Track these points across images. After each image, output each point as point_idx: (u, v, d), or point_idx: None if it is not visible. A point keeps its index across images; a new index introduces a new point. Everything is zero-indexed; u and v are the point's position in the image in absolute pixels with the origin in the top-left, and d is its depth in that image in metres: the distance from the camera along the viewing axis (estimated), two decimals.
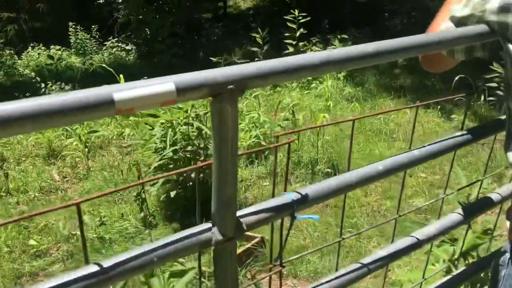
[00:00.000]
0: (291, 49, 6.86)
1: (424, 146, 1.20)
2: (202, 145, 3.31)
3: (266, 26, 9.42)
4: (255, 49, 7.05)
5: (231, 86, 0.71)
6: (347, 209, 3.49)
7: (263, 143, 4.30)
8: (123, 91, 0.60)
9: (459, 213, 1.40)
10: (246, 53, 8.90)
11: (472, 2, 1.13)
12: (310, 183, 3.97)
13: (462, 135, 1.28)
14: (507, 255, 1.15)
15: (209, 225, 0.79)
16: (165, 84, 0.64)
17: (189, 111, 3.23)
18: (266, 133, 4.41)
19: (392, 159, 1.14)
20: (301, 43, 6.98)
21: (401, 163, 1.14)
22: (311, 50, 7.01)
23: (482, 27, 1.09)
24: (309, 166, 4.13)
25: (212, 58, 7.05)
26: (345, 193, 1.08)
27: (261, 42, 6.67)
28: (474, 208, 1.44)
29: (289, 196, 0.93)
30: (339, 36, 7.72)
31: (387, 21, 9.83)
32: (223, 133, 0.72)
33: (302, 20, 6.54)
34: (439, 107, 5.34)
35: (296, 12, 6.52)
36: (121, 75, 4.65)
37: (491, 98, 5.18)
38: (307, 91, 6.06)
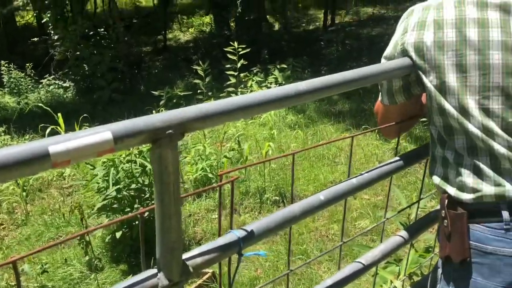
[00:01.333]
0: (232, 80, 6.96)
1: (361, 174, 1.25)
2: (146, 182, 3.25)
3: (206, 58, 9.52)
4: (197, 81, 7.08)
5: (170, 131, 0.71)
6: (296, 236, 3.53)
7: (210, 175, 4.29)
8: (58, 143, 0.60)
9: (401, 235, 1.46)
10: (188, 85, 8.92)
11: (395, 38, 1.22)
12: (259, 212, 4.01)
13: (396, 161, 1.35)
14: (439, 271, 1.21)
15: (154, 270, 0.78)
16: (102, 133, 0.64)
17: (131, 148, 3.18)
18: (213, 165, 4.41)
19: (333, 189, 1.18)
20: (242, 74, 7.10)
21: (341, 192, 1.19)
22: (252, 80, 7.15)
23: (403, 60, 1.17)
24: (257, 195, 4.15)
25: (154, 92, 7.01)
26: (290, 225, 1.10)
27: (202, 74, 6.71)
28: (414, 228, 1.50)
29: (235, 234, 0.94)
30: (278, 66, 7.93)
31: (323, 50, 10.21)
32: (164, 178, 0.72)
33: (242, 52, 6.66)
34: (376, 130, 5.55)
35: (236, 44, 6.64)
36: (59, 114, 4.53)
37: (424, 119, 5.46)
38: (252, 121, 6.13)
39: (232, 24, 11.11)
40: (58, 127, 4.46)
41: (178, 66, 10.87)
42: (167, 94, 6.82)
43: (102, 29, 9.43)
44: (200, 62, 6.88)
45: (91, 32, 9.17)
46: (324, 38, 10.86)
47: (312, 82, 1.00)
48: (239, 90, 6.99)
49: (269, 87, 7.29)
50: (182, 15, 18.10)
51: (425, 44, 1.12)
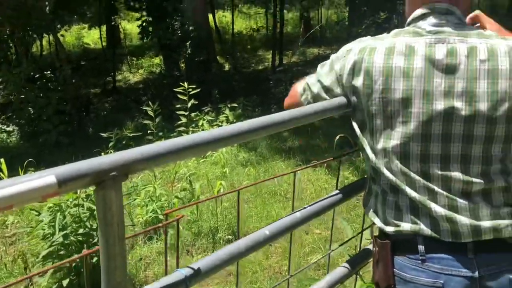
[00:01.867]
0: (183, 120, 6.98)
1: (305, 208, 1.31)
2: (94, 226, 3.17)
3: (156, 98, 9.53)
4: (147, 121, 7.05)
5: (113, 173, 0.74)
6: (250, 274, 3.52)
7: (160, 217, 4.23)
8: (0, 189, 0.61)
9: (345, 266, 1.52)
10: (138, 126, 8.84)
11: (333, 72, 1.30)
12: (212, 252, 3.97)
13: (337, 194, 1.42)
14: None
15: None
16: (45, 177, 0.66)
17: (78, 192, 3.11)
18: (163, 207, 4.36)
19: (277, 223, 1.23)
20: (193, 114, 7.15)
21: (285, 226, 1.23)
22: (203, 119, 7.21)
23: (340, 99, 1.26)
24: (210, 235, 4.13)
25: (103, 134, 6.90)
26: (236, 261, 1.13)
27: (152, 115, 6.70)
28: (358, 259, 1.57)
29: (182, 273, 0.96)
30: (229, 105, 8.05)
31: (272, 89, 10.48)
32: (109, 219, 0.74)
33: (192, 92, 6.73)
34: (325, 165, 5.72)
35: (186, 85, 6.71)
36: (1, 159, 4.37)
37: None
38: (203, 160, 6.15)
39: (182, 65, 11.22)
40: (1, 173, 4.30)
41: (128, 107, 10.78)
42: (116, 136, 6.72)
43: (49, 72, 9.27)
44: (150, 103, 6.87)
45: (37, 75, 8.99)
46: (273, 78, 11.16)
47: (253, 122, 1.06)
48: (190, 129, 7.02)
49: (220, 126, 7.36)
50: (131, 57, 18.09)
51: (355, 89, 1.21)
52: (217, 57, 16.61)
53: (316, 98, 1.34)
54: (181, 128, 7.02)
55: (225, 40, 19.36)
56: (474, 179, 1.13)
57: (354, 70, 1.22)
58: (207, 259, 1.04)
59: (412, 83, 1.14)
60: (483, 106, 1.11)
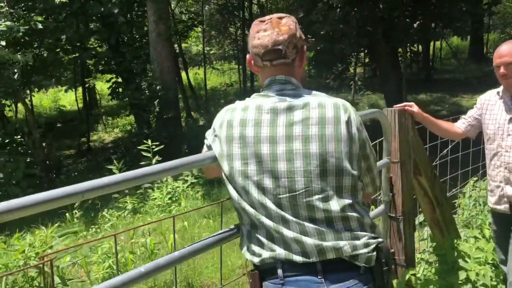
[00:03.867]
0: None
1: (184, 247, 1.49)
2: None
3: (127, 156, 9.70)
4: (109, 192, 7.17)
5: None
6: None
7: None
8: None
9: None
10: None
11: (210, 131, 1.55)
12: None
13: (221, 233, 1.61)
14: None
15: None
16: None
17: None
18: (121, 262, 4.43)
19: (153, 262, 1.40)
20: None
21: (162, 265, 1.41)
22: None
23: (211, 152, 1.49)
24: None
25: None
26: None
27: (118, 173, 6.85)
28: None
29: None
30: None
31: None
32: None
33: (156, 149, 6.94)
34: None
35: (149, 142, 6.93)
36: None
37: None
38: (166, 213, 6.26)
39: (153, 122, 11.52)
40: None
41: (101, 167, 10.92)
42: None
43: (19, 136, 9.43)
44: (115, 162, 7.04)
45: (6, 140, 9.14)
46: None
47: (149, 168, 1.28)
48: (156, 185, 7.17)
49: (186, 180, 7.53)
50: (107, 116, 18.39)
51: (222, 139, 1.46)
52: (192, 112, 17.02)
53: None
54: (147, 185, 7.16)
55: (199, 96, 19.85)
56: (317, 209, 1.38)
57: (221, 125, 1.49)
58: None
59: (261, 130, 1.42)
60: (315, 146, 1.40)
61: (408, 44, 10.78)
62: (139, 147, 7.16)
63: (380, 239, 1.46)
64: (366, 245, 1.39)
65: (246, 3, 20.02)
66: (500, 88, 2.62)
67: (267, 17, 1.53)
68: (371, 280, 1.40)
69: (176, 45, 16.61)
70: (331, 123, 1.42)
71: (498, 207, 2.61)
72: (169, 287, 4.21)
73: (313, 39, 9.95)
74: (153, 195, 7.01)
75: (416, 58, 21.77)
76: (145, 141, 7.03)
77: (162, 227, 5.86)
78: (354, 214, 1.41)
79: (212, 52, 26.02)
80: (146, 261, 4.59)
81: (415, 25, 8.82)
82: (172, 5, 18.30)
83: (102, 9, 10.30)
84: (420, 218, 3.43)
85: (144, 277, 1.35)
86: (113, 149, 12.14)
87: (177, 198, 6.86)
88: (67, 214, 6.70)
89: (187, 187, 7.37)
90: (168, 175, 1.32)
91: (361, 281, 1.37)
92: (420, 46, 22.12)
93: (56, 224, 5.12)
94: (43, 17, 10.21)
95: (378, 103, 15.05)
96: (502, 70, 2.45)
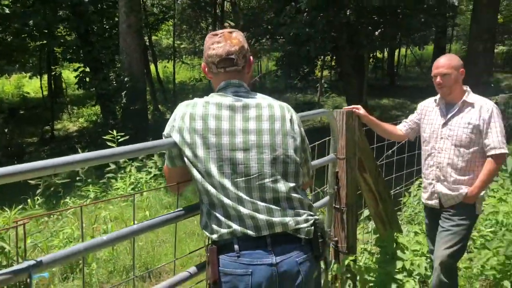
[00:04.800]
0: (112, 166, 7.24)
1: (143, 222, 1.69)
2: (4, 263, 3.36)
3: (92, 146, 9.70)
4: (77, 168, 7.22)
5: None
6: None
7: None
8: None
9: (189, 271, 1.88)
10: (70, 173, 8.93)
11: (169, 123, 1.75)
12: None
13: (177, 211, 1.81)
14: None
15: None
16: None
17: None
18: None
19: (115, 232, 1.60)
20: (121, 160, 7.42)
21: (122, 234, 1.60)
22: (131, 165, 7.48)
23: (168, 140, 1.70)
24: (124, 273, 4.36)
25: (31, 181, 6.99)
26: (75, 258, 1.48)
27: None
28: (200, 265, 1.93)
29: (27, 263, 1.30)
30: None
31: None
32: None
33: (121, 139, 7.02)
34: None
35: (115, 133, 7.01)
36: None
37: None
38: (126, 203, 6.37)
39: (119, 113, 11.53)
40: None
41: (63, 155, 10.85)
42: (44, 183, 6.85)
43: None
44: (79, 150, 7.09)
45: None
46: None
47: (100, 152, 1.47)
48: (119, 175, 7.26)
49: (150, 171, 7.65)
50: (72, 106, 18.14)
51: (185, 129, 1.66)
52: (159, 105, 17.02)
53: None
54: (110, 175, 7.25)
55: (167, 89, 19.82)
56: (267, 190, 1.65)
57: (182, 117, 1.70)
58: (50, 255, 1.39)
59: (222, 124, 1.67)
60: (266, 138, 1.69)
61: (372, 51, 11.19)
62: (104, 137, 7.22)
63: (316, 217, 1.75)
64: (306, 220, 1.68)
65: (219, 0, 20.16)
66: (438, 96, 2.92)
67: (219, 32, 1.81)
68: (310, 250, 1.69)
69: (146, 38, 16.58)
70: (279, 120, 1.72)
71: (430, 202, 2.92)
72: (128, 271, 4.36)
73: (283, 40, 10.24)
74: (116, 185, 7.10)
75: (380, 64, 22.42)
76: (110, 131, 7.10)
77: (123, 215, 5.99)
78: (297, 195, 1.70)
79: (182, 46, 25.98)
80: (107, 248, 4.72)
81: (376, 32, 9.25)
82: None
83: None
84: (366, 212, 3.71)
85: (105, 245, 1.54)
86: (78, 138, 12.07)
87: (140, 188, 6.98)
88: (28, 200, 6.71)
89: (150, 178, 7.49)
90: (129, 157, 1.51)
91: (302, 251, 1.66)
92: (385, 53, 22.82)
93: (20, 206, 5.18)
94: (10, 1, 10.06)
95: (342, 105, 15.49)
96: (438, 79, 2.76)
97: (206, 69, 1.84)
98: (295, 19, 8.95)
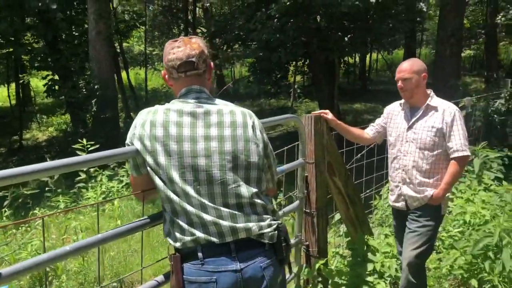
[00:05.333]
0: (83, 176, 7.10)
1: (107, 231, 1.67)
2: None
3: (62, 156, 9.49)
4: (45, 178, 7.06)
5: None
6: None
7: (47, 269, 4.31)
8: None
9: (157, 280, 1.86)
10: (39, 184, 8.74)
11: (130, 131, 1.74)
12: None
13: (143, 220, 1.79)
14: None
15: None
16: None
17: None
18: None
19: (79, 242, 1.57)
20: (92, 169, 7.29)
21: (86, 244, 1.57)
22: (102, 174, 7.36)
23: (130, 147, 1.68)
24: (95, 284, 4.28)
25: None
26: (37, 270, 1.44)
27: None
28: (167, 275, 1.91)
29: None
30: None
31: None
32: None
33: (91, 148, 6.90)
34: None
35: (85, 141, 6.89)
36: None
37: None
38: (101, 213, 6.27)
39: (89, 122, 11.35)
40: None
41: None
42: (11, 194, 6.66)
43: None
44: (48, 160, 6.92)
45: None
46: None
47: (66, 160, 1.44)
48: (90, 185, 7.14)
49: (121, 180, 7.55)
50: (42, 115, 17.75)
51: (145, 137, 1.64)
52: (131, 113, 16.82)
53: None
54: (81, 184, 7.12)
55: (139, 97, 19.62)
56: (230, 196, 1.64)
57: (142, 125, 1.68)
58: (11, 268, 1.36)
59: (183, 131, 1.65)
60: (228, 144, 1.68)
61: (343, 56, 11.36)
62: (73, 146, 7.08)
63: (279, 221, 1.75)
64: (269, 225, 1.69)
65: (191, 6, 20.12)
66: (402, 100, 2.98)
67: (179, 38, 1.81)
68: (274, 254, 1.69)
69: (117, 44, 16.39)
70: (241, 126, 1.71)
71: (397, 204, 2.97)
72: (100, 283, 4.28)
73: (255, 45, 10.28)
74: (87, 195, 6.98)
75: (352, 69, 22.74)
76: (80, 140, 6.97)
77: (95, 225, 5.89)
78: (260, 201, 1.69)
79: (154, 52, 25.76)
80: (77, 259, 4.63)
81: (346, 38, 9.40)
82: (114, 4, 18.03)
83: (40, 3, 10.04)
84: (338, 216, 3.74)
85: (69, 255, 1.51)
86: (47, 147, 11.81)
87: (111, 197, 6.88)
88: None
89: (122, 187, 7.39)
90: (91, 165, 1.48)
91: (266, 255, 1.66)
92: (357, 58, 23.18)
93: None
94: None
95: (315, 110, 15.64)
96: (400, 83, 2.82)
97: (167, 76, 1.82)
98: (266, 25, 9.01)
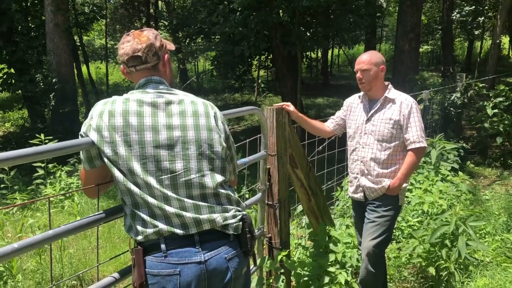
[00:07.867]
0: (40, 172, 6.88)
1: (59, 226, 1.61)
2: None
3: None
4: (1, 175, 6.81)
5: None
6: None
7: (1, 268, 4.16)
8: None
9: (113, 276, 1.81)
10: None
11: (86, 122, 1.67)
12: None
13: (98, 214, 1.74)
14: None
15: None
16: None
17: None
18: None
19: (28, 239, 1.50)
20: (50, 165, 7.08)
21: (36, 241, 1.51)
22: (61, 170, 7.16)
23: (86, 139, 1.62)
24: (54, 282, 4.15)
25: None
26: None
27: (7, 168, 6.52)
28: (125, 270, 1.87)
29: None
30: None
31: None
32: None
33: (49, 143, 6.69)
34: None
35: (42, 136, 6.67)
36: None
37: None
38: (60, 210, 6.10)
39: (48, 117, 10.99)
40: None
41: None
42: None
43: None
44: None
45: None
46: None
47: (14, 152, 1.37)
48: (48, 181, 6.92)
49: (78, 175, 7.33)
50: None
51: (103, 127, 1.58)
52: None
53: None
54: (39, 181, 6.90)
55: (100, 91, 19.20)
56: (194, 187, 1.62)
57: (100, 115, 1.61)
58: None
59: (144, 120, 1.60)
60: (191, 134, 1.65)
61: (304, 50, 11.45)
62: (31, 141, 6.85)
63: (244, 212, 1.74)
64: (234, 216, 1.68)
65: None
66: (361, 93, 3.02)
67: (130, 32, 1.78)
68: (239, 245, 1.69)
69: (76, 37, 15.93)
70: (203, 116, 1.70)
71: (355, 195, 3.01)
72: (58, 281, 4.16)
73: (218, 39, 10.20)
74: (45, 191, 6.76)
75: (315, 64, 22.95)
76: (38, 135, 6.74)
77: (54, 224, 5.72)
78: (224, 191, 1.68)
79: (116, 46, 25.21)
80: (34, 257, 4.49)
81: (308, 33, 9.46)
82: None
83: None
84: (300, 207, 3.77)
85: (16, 253, 1.44)
86: (3, 144, 11.37)
87: (71, 194, 6.69)
88: None
89: None
90: (41, 158, 1.43)
91: (231, 247, 1.65)
92: (319, 53, 23.42)
93: None
94: None
95: None
96: (358, 75, 2.86)
97: (124, 70, 1.80)
98: (228, 18, 8.96)
